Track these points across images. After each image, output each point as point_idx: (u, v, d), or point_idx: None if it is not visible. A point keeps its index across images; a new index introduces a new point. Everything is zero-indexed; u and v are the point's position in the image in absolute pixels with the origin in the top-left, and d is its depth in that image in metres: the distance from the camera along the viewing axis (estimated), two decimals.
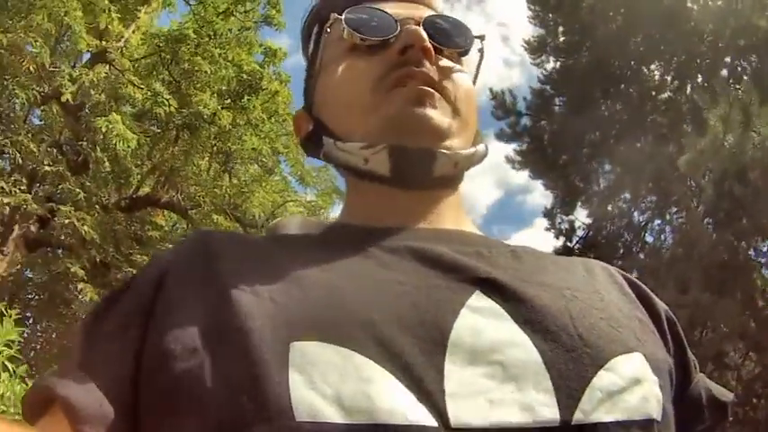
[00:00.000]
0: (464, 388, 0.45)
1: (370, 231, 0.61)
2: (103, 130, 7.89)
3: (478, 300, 0.51)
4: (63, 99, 8.06)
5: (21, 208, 8.04)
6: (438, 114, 0.62)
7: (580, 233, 11.41)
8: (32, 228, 8.73)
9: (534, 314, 0.51)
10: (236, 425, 0.43)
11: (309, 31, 0.76)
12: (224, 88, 10.05)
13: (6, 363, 3.04)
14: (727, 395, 0.65)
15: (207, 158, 10.73)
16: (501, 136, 11.80)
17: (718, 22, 9.48)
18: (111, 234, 9.69)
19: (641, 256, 10.81)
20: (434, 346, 0.47)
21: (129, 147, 8.14)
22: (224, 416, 0.43)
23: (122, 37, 8.93)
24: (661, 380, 0.54)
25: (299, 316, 0.48)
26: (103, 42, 8.60)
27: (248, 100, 9.85)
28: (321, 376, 0.44)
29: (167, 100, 8.95)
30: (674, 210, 10.42)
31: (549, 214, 11.47)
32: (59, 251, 10.15)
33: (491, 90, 11.77)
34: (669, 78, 10.79)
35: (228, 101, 9.97)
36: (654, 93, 10.79)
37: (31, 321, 12.40)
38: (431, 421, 0.43)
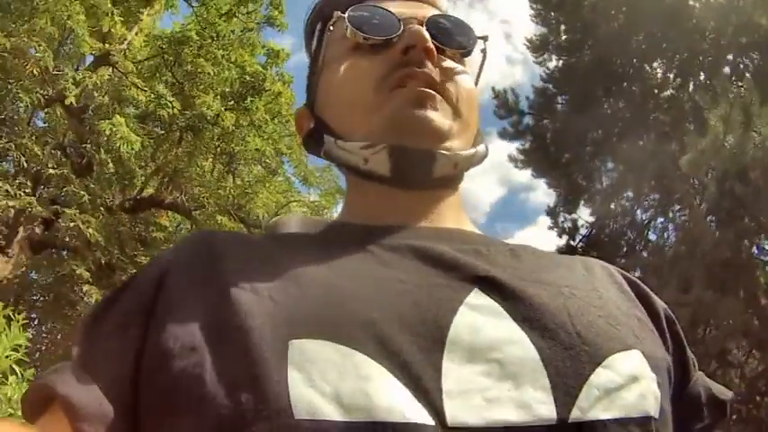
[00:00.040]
0: (461, 386, 0.45)
1: (370, 230, 0.61)
2: (107, 133, 7.90)
3: (477, 297, 0.51)
4: (67, 102, 8.05)
5: (25, 211, 8.05)
6: (439, 116, 0.62)
7: (583, 231, 11.41)
8: (37, 230, 8.73)
9: (532, 312, 0.51)
10: (236, 423, 0.42)
11: (312, 28, 0.75)
12: (227, 90, 10.05)
13: (14, 366, 3.06)
14: (726, 393, 0.64)
15: (210, 160, 10.72)
16: (504, 135, 11.82)
17: (719, 19, 9.46)
18: (115, 236, 9.71)
19: (644, 254, 10.78)
20: (433, 344, 0.47)
21: (132, 149, 8.15)
22: (223, 414, 0.43)
23: (125, 39, 8.93)
24: (659, 377, 0.53)
25: (299, 314, 0.48)
26: (106, 45, 8.62)
27: (251, 101, 9.84)
28: (320, 374, 0.44)
29: (170, 102, 8.93)
30: (677, 207, 10.40)
31: (552, 213, 11.46)
32: (64, 253, 10.15)
33: (493, 89, 11.78)
34: (671, 76, 10.77)
35: (232, 102, 9.96)
36: (656, 91, 10.77)
37: (36, 323, 12.43)
38: (428, 420, 0.43)
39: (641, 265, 9.92)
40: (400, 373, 0.44)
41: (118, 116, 8.24)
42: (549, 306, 0.52)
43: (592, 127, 10.86)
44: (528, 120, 11.83)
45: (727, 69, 9.87)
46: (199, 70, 9.54)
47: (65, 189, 8.71)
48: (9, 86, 8.13)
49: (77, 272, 9.18)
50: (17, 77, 8.01)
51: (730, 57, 9.92)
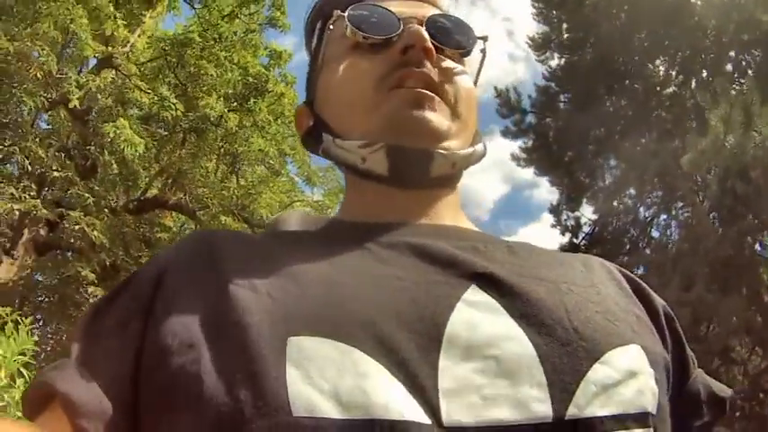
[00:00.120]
0: (458, 384, 0.45)
1: (368, 227, 0.61)
2: (111, 135, 7.92)
3: (474, 294, 0.51)
4: (70, 105, 8.06)
5: (30, 213, 8.07)
6: (436, 117, 0.62)
7: (586, 229, 11.41)
8: (42, 232, 8.77)
9: (530, 308, 0.51)
10: (235, 420, 0.42)
11: (313, 26, 0.75)
12: (230, 91, 10.07)
13: (22, 369, 3.09)
14: (725, 390, 0.64)
15: (214, 160, 10.76)
16: (506, 133, 11.82)
17: (721, 17, 9.44)
18: (120, 237, 9.74)
19: (647, 251, 10.76)
20: (430, 342, 0.47)
21: (136, 150, 8.17)
22: (222, 411, 0.43)
23: (128, 42, 8.96)
24: (657, 373, 0.53)
25: (297, 311, 0.48)
26: (109, 48, 8.64)
27: (254, 102, 9.86)
28: (318, 371, 0.43)
29: (174, 104, 8.96)
30: (680, 205, 10.39)
31: (554, 211, 11.46)
32: (69, 254, 10.18)
33: (496, 88, 11.78)
34: (673, 74, 10.75)
35: (235, 103, 9.98)
36: (658, 88, 10.74)
37: (41, 324, 12.47)
38: (424, 419, 0.43)
39: (644, 263, 9.92)
40: (398, 371, 0.44)
41: (121, 118, 8.28)
42: (547, 302, 0.52)
43: (594, 125, 10.84)
44: (530, 118, 11.84)
45: (729, 66, 9.85)
46: (202, 72, 9.55)
47: (69, 191, 8.75)
48: (13, 90, 8.16)
49: (82, 273, 9.19)
50: (21, 81, 8.03)
51: (732, 54, 9.90)
